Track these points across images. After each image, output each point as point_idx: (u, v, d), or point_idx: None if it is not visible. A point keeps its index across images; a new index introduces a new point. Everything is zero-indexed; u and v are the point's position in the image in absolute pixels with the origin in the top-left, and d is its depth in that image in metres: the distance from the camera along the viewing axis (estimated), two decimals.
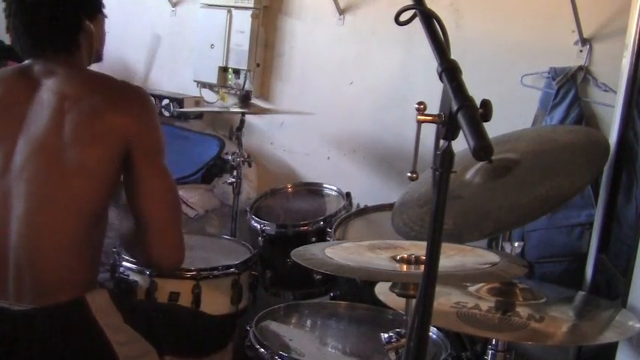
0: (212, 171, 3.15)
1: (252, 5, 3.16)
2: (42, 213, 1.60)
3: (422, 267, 1.23)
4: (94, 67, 1.83)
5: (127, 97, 1.70)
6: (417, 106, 1.01)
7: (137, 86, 1.76)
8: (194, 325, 1.91)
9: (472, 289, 1.61)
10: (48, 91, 1.65)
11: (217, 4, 3.28)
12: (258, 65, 3.25)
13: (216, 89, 3.43)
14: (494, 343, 1.50)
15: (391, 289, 1.34)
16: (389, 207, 2.20)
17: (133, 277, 2.12)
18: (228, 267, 2.18)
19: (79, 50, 1.72)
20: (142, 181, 1.66)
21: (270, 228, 2.45)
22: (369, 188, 2.91)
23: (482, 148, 0.87)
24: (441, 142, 0.97)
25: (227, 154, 2.81)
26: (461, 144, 0.94)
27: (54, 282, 1.61)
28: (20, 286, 1.60)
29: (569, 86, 2.37)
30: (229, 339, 1.89)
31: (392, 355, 1.34)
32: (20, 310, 1.59)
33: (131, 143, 1.63)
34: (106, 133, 1.61)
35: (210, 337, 1.88)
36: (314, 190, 2.80)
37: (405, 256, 1.41)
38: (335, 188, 2.71)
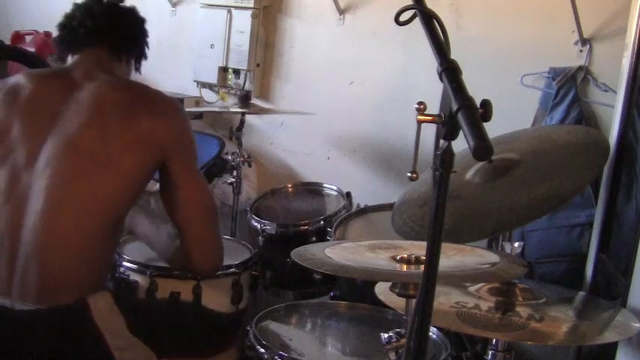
0: (212, 171, 3.14)
1: (252, 5, 3.16)
2: (60, 212, 1.60)
3: (422, 267, 1.23)
4: None
5: (164, 106, 1.74)
6: (417, 106, 1.01)
7: (172, 97, 1.82)
8: (196, 321, 1.91)
9: (472, 289, 1.61)
10: (87, 92, 1.69)
11: (217, 4, 3.29)
12: (258, 65, 3.25)
13: (216, 89, 3.43)
14: (494, 343, 1.50)
15: (391, 289, 1.34)
16: (389, 207, 2.20)
17: (134, 277, 2.12)
18: (229, 267, 2.18)
19: (115, 63, 1.83)
20: (179, 188, 1.70)
21: (270, 228, 2.45)
22: (369, 188, 2.91)
23: (482, 148, 0.87)
24: (441, 142, 0.97)
25: (227, 154, 2.81)
26: (461, 144, 0.94)
27: (60, 282, 1.60)
28: (26, 282, 1.60)
29: (569, 86, 2.37)
30: (232, 339, 1.89)
31: (392, 355, 1.34)
32: (22, 310, 1.58)
33: (168, 152, 1.67)
34: (142, 140, 1.65)
35: (213, 335, 1.88)
36: (314, 190, 2.80)
37: (405, 256, 1.41)
38: (335, 188, 2.71)
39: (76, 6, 1.85)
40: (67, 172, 1.61)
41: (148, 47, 1.96)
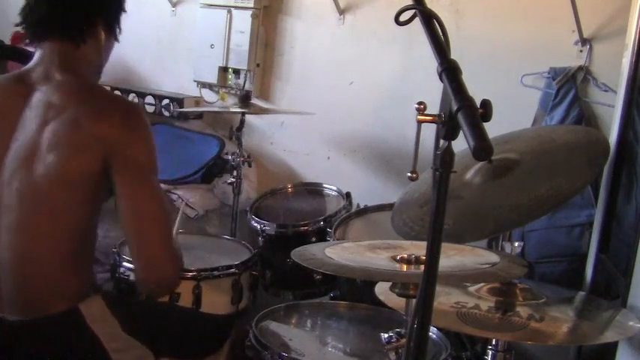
0: (212, 171, 3.15)
1: (252, 5, 3.16)
2: (30, 224, 1.57)
3: (422, 267, 1.23)
4: None
5: (115, 110, 1.62)
6: (417, 106, 1.01)
7: (132, 102, 1.72)
8: (192, 325, 1.90)
9: (472, 289, 1.61)
10: (39, 98, 1.62)
11: (217, 4, 3.28)
12: (258, 65, 3.25)
13: (216, 89, 3.43)
14: (494, 343, 1.50)
15: (391, 289, 1.34)
16: (389, 207, 2.19)
17: (134, 277, 2.11)
18: (229, 267, 2.18)
19: (82, 48, 1.69)
20: (122, 197, 1.58)
21: (270, 228, 2.45)
22: (369, 188, 2.91)
23: (482, 148, 0.87)
24: (441, 142, 0.97)
25: (227, 154, 2.81)
26: (461, 144, 0.94)
27: (44, 294, 1.59)
28: (11, 297, 1.59)
29: (569, 86, 2.37)
30: (225, 340, 1.88)
31: (392, 355, 1.34)
32: (15, 321, 1.58)
33: (110, 156, 1.56)
34: (84, 144, 1.56)
35: (208, 337, 1.88)
36: (314, 190, 2.80)
37: (405, 256, 1.41)
38: (335, 188, 2.71)
39: None
40: (28, 184, 1.56)
41: (118, 7, 1.78)
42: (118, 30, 1.79)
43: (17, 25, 1.74)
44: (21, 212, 1.57)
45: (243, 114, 2.73)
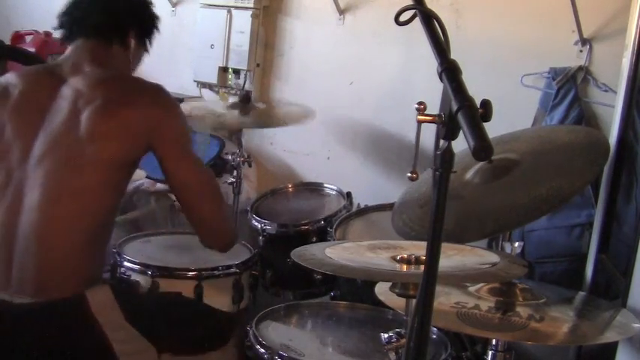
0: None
1: (252, 5, 3.17)
2: (55, 206, 1.63)
3: (422, 267, 1.23)
4: None
5: (145, 93, 1.75)
6: (417, 106, 1.01)
7: (156, 84, 1.80)
8: (196, 319, 1.92)
9: (472, 289, 1.61)
10: (69, 87, 1.71)
11: (217, 4, 3.29)
12: (258, 65, 3.25)
13: (216, 89, 3.43)
14: (494, 343, 1.50)
15: (391, 289, 1.34)
16: (389, 207, 2.19)
17: (135, 277, 2.12)
18: (229, 267, 2.18)
19: (110, 50, 1.81)
20: (174, 174, 1.73)
21: (270, 228, 2.45)
22: (369, 188, 2.91)
23: (482, 148, 0.87)
24: (441, 142, 0.97)
25: (227, 154, 2.81)
26: (461, 144, 0.94)
27: (57, 276, 1.62)
28: (23, 276, 1.61)
29: (569, 86, 2.37)
30: (230, 335, 1.90)
31: (392, 355, 1.34)
32: (21, 304, 1.60)
33: (152, 138, 1.69)
34: (120, 129, 1.66)
35: (212, 332, 1.89)
36: (314, 190, 2.80)
37: (405, 256, 1.41)
38: (335, 188, 2.71)
39: None
40: (56, 168, 1.64)
41: (152, 24, 1.93)
42: (148, 42, 1.94)
43: (55, 29, 1.87)
44: (46, 193, 1.62)
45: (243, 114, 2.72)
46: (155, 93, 1.76)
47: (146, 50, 1.95)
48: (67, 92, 1.70)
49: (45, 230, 1.62)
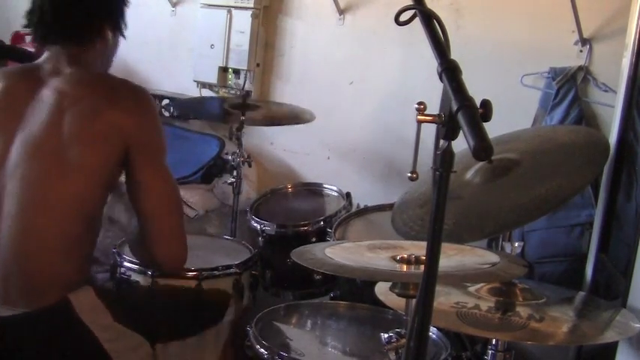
0: (212, 171, 3.15)
1: (252, 5, 3.16)
2: (35, 213, 1.59)
3: (422, 267, 1.23)
4: None
5: (127, 96, 1.68)
6: (417, 106, 1.01)
7: (139, 86, 1.75)
8: (188, 303, 1.93)
9: (472, 289, 1.61)
10: (49, 89, 1.65)
11: (217, 4, 3.28)
12: (258, 65, 3.25)
13: (216, 89, 3.43)
14: (494, 343, 1.50)
15: (391, 289, 1.34)
16: (389, 207, 2.19)
17: (135, 277, 2.11)
18: (229, 267, 2.18)
19: (90, 50, 1.74)
20: (141, 181, 1.65)
21: (270, 228, 2.45)
22: (369, 188, 2.91)
23: (482, 148, 0.87)
24: (441, 142, 0.97)
25: (227, 154, 2.81)
26: (461, 144, 0.94)
27: (42, 284, 1.60)
28: (8, 287, 1.60)
29: (569, 86, 2.37)
30: (224, 311, 1.89)
31: (392, 355, 1.34)
32: (8, 317, 1.58)
33: (130, 142, 1.63)
34: (105, 133, 1.61)
35: (206, 311, 1.89)
36: (314, 190, 2.80)
37: (405, 256, 1.41)
38: (335, 188, 2.71)
39: None
40: (35, 173, 1.59)
41: (123, 10, 1.82)
42: (123, 26, 1.82)
43: (24, 27, 1.75)
44: (25, 201, 1.58)
45: (243, 114, 2.72)
46: (141, 98, 1.70)
47: (122, 36, 1.84)
48: (47, 94, 1.65)
49: (23, 239, 1.58)
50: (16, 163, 1.60)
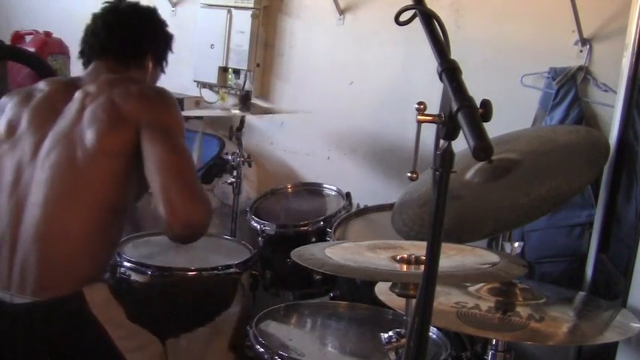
0: (212, 171, 3.15)
1: (252, 5, 3.16)
2: (58, 203, 1.65)
3: (422, 267, 1.23)
4: None
5: (145, 89, 1.80)
6: (417, 106, 1.01)
7: (159, 87, 1.90)
8: (197, 295, 1.94)
9: (472, 289, 1.61)
10: (82, 92, 1.79)
11: (217, 4, 3.28)
12: (258, 65, 3.25)
13: (216, 89, 3.43)
14: (494, 343, 1.50)
15: (391, 289, 1.34)
16: (389, 207, 2.19)
17: (134, 277, 2.12)
18: (229, 267, 2.18)
19: (129, 70, 1.91)
20: (147, 153, 1.66)
21: (270, 228, 2.45)
22: (369, 188, 2.91)
23: (482, 148, 0.87)
24: (441, 142, 0.97)
25: (227, 154, 2.81)
26: (461, 144, 0.94)
27: (59, 273, 1.64)
28: (25, 274, 1.63)
29: (569, 86, 2.37)
30: (233, 296, 1.94)
31: (392, 355, 1.34)
32: (21, 304, 1.61)
33: (141, 123, 1.69)
34: (120, 120, 1.69)
35: (215, 299, 1.91)
36: (314, 190, 2.80)
37: (405, 256, 1.41)
38: (335, 188, 2.71)
39: (92, 17, 1.96)
40: (61, 163, 1.67)
41: (168, 45, 2.09)
42: (165, 64, 2.07)
43: (78, 58, 1.99)
44: (52, 187, 1.65)
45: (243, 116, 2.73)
46: (156, 92, 1.81)
47: (163, 71, 2.07)
48: (78, 96, 1.78)
49: (46, 228, 1.63)
50: (45, 156, 1.69)
